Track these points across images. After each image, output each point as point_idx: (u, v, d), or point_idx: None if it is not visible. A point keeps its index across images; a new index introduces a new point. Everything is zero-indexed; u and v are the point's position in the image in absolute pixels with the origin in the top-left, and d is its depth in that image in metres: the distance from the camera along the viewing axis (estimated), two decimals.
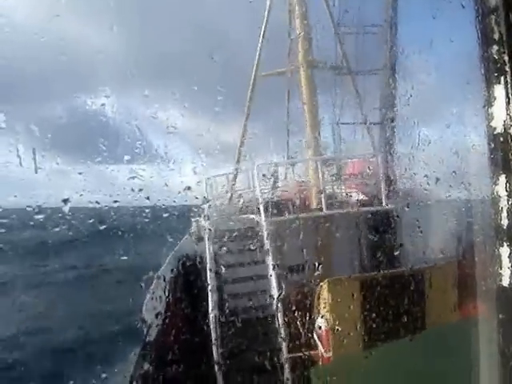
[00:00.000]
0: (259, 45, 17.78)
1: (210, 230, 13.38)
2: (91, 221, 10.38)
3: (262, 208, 13.03)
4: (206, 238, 13.14)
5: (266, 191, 15.49)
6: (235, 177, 17.21)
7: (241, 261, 13.36)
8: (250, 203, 14.89)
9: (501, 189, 1.57)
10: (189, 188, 10.10)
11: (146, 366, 10.84)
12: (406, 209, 13.29)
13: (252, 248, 13.16)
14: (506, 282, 1.62)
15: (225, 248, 13.80)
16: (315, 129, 15.45)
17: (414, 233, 12.14)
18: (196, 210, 14.98)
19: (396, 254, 13.19)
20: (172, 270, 14.51)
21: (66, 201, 7.23)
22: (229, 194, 16.96)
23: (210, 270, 12.30)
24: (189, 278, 13.25)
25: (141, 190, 8.58)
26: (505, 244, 1.59)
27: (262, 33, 17.82)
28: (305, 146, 15.88)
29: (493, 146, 1.60)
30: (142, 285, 12.77)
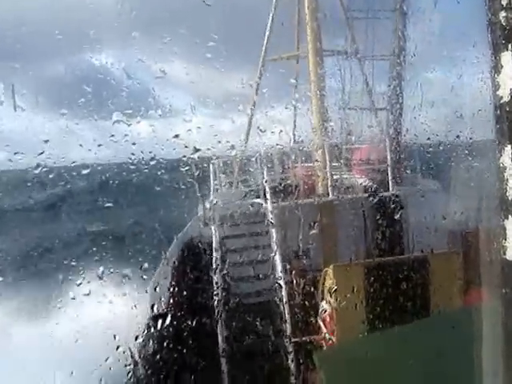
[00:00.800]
0: (268, 28, 17.68)
1: (216, 213, 13.37)
2: None
3: (267, 193, 13.02)
4: (213, 222, 13.13)
5: (272, 176, 15.48)
6: (242, 160, 17.15)
7: (246, 245, 13.37)
8: (256, 187, 14.88)
9: (506, 159, 1.54)
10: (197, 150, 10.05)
11: (150, 350, 10.87)
12: (412, 195, 13.28)
13: (258, 232, 13.17)
14: (510, 256, 1.59)
15: (231, 232, 13.81)
16: (322, 114, 15.38)
17: (420, 219, 12.13)
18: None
19: (401, 239, 13.20)
20: (178, 253, 14.52)
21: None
22: (235, 178, 16.92)
23: (216, 253, 12.30)
24: (195, 262, 13.26)
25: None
26: (509, 216, 1.56)
27: (271, 16, 17.71)
28: (312, 131, 15.83)
29: (499, 115, 1.57)
30: None
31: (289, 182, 16.14)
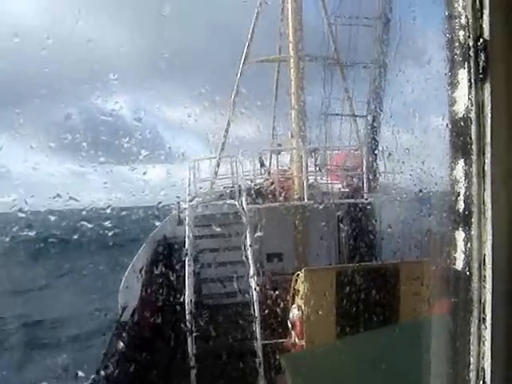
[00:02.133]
0: (250, 31, 17.70)
1: (190, 212, 13.34)
2: None
3: (243, 194, 13.04)
4: (186, 222, 13.10)
5: (248, 178, 15.50)
6: (219, 162, 17.16)
7: (219, 246, 13.38)
8: (232, 189, 14.89)
9: (458, 173, 1.59)
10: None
11: (120, 345, 10.82)
12: (385, 203, 13.37)
13: (231, 233, 13.17)
14: (459, 266, 1.64)
15: (204, 232, 13.81)
16: (301, 119, 15.44)
17: (391, 226, 12.23)
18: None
19: (373, 246, 13.30)
20: (150, 252, 14.49)
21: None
22: (211, 179, 16.92)
23: (188, 253, 12.27)
24: (166, 261, 13.25)
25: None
26: (460, 228, 1.61)
27: (253, 19, 17.74)
28: (290, 135, 15.88)
29: (454, 130, 1.62)
30: None
31: (265, 184, 16.17)
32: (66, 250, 31.50)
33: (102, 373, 9.36)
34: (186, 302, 11.29)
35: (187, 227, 12.95)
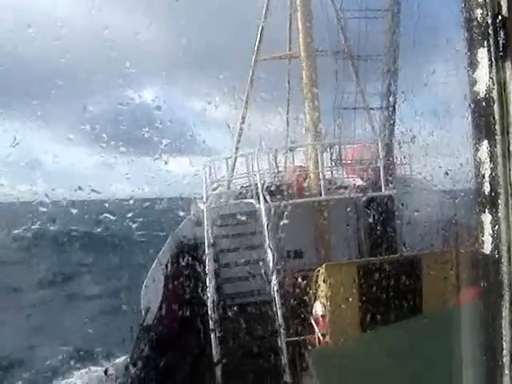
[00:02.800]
0: (260, 27, 17.70)
1: (208, 213, 13.35)
2: None
3: (260, 193, 13.01)
4: (205, 222, 13.11)
5: (265, 176, 15.48)
6: (235, 161, 17.16)
7: (239, 245, 13.38)
8: (249, 188, 14.88)
9: (483, 154, 1.56)
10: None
11: (145, 348, 10.86)
12: (405, 194, 13.28)
13: (250, 232, 13.17)
14: (487, 249, 1.60)
15: (223, 232, 13.82)
16: (315, 114, 15.37)
17: (411, 219, 12.14)
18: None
19: (394, 238, 13.21)
20: (171, 253, 14.52)
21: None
22: (228, 178, 16.93)
23: (208, 253, 12.29)
24: (187, 262, 13.26)
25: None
26: (486, 210, 1.58)
27: (263, 14, 17.73)
28: (304, 131, 15.82)
29: (475, 110, 1.58)
30: None
31: (282, 181, 16.15)
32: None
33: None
34: (209, 302, 11.31)
35: (206, 228, 12.96)
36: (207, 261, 12.06)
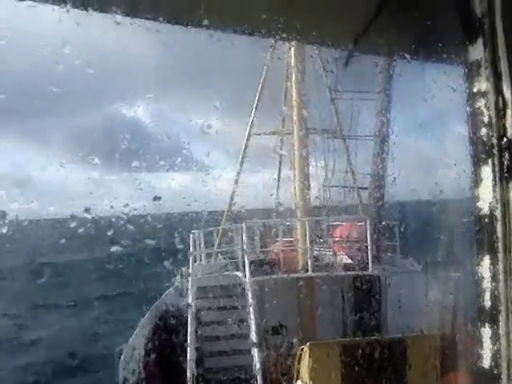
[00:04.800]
0: (254, 104, 18.09)
1: (193, 285, 13.26)
2: None
3: (247, 266, 12.98)
4: (189, 294, 13.00)
5: (252, 249, 15.46)
6: (222, 232, 17.20)
7: (223, 318, 13.21)
8: (235, 260, 14.85)
9: (484, 270, 1.59)
10: None
11: None
12: (390, 276, 13.31)
13: (234, 306, 13.05)
14: (486, 364, 1.61)
15: (207, 304, 13.67)
16: (305, 191, 15.52)
17: (397, 300, 12.12)
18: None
19: (378, 319, 13.13)
20: (153, 324, 14.31)
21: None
22: (215, 249, 16.91)
23: (191, 326, 12.14)
24: (169, 334, 13.07)
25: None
26: (486, 325, 1.60)
27: (257, 94, 18.15)
28: (294, 206, 15.93)
29: (478, 226, 1.62)
30: None
31: (269, 255, 16.12)
32: None
33: None
34: (188, 376, 11.10)
35: (190, 300, 12.85)
36: (189, 334, 11.90)
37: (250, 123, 18.09)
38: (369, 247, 13.67)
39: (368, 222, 14.05)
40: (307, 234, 14.36)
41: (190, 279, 13.43)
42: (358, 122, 18.96)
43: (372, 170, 16.21)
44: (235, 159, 18.77)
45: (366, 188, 17.87)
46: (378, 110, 16.50)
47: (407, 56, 2.05)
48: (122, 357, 12.63)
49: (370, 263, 13.47)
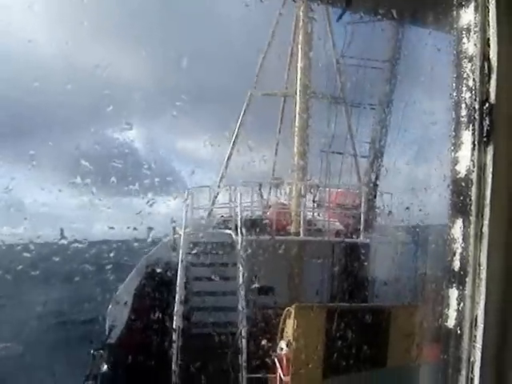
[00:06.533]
0: (259, 63, 17.97)
1: (185, 239, 13.29)
2: None
3: (239, 225, 13.02)
4: (180, 248, 13.05)
5: (246, 209, 15.49)
6: (217, 191, 17.21)
7: (212, 275, 13.31)
8: (229, 218, 14.90)
9: (456, 232, 1.61)
10: None
11: (103, 366, 10.74)
12: (382, 244, 13.37)
13: (225, 263, 13.14)
14: (451, 324, 1.65)
15: (198, 260, 13.76)
16: (303, 154, 15.50)
17: (384, 269, 12.21)
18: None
19: (365, 287, 13.25)
20: (142, 275, 14.41)
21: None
22: (209, 207, 16.93)
23: (179, 280, 12.22)
24: (157, 286, 13.18)
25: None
26: (454, 286, 1.62)
27: (264, 52, 18.00)
28: (290, 170, 15.93)
29: (454, 189, 1.64)
30: None
31: (262, 216, 16.17)
32: None
33: None
34: (174, 328, 11.22)
35: (180, 254, 12.91)
36: (177, 288, 11.99)
37: (255, 80, 18.00)
38: (362, 215, 13.73)
39: (363, 190, 14.08)
40: (301, 197, 14.41)
41: (182, 234, 13.46)
42: (362, 90, 18.89)
43: (372, 139, 16.21)
44: None
45: (364, 156, 17.91)
46: (383, 79, 16.42)
47: (397, 18, 2.05)
48: (110, 306, 12.79)
49: (361, 231, 13.55)
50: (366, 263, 13.32)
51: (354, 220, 14.34)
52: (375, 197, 15.01)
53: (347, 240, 13.89)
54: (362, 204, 13.96)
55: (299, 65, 15.63)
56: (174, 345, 10.97)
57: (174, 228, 14.95)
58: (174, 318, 11.33)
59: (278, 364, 10.05)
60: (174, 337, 11.06)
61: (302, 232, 13.85)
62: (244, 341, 10.78)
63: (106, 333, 12.06)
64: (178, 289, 11.94)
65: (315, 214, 16.60)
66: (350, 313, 9.23)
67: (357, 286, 13.07)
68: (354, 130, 19.08)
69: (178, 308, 11.47)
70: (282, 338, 10.25)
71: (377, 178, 15.19)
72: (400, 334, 8.91)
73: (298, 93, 15.57)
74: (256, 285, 13.29)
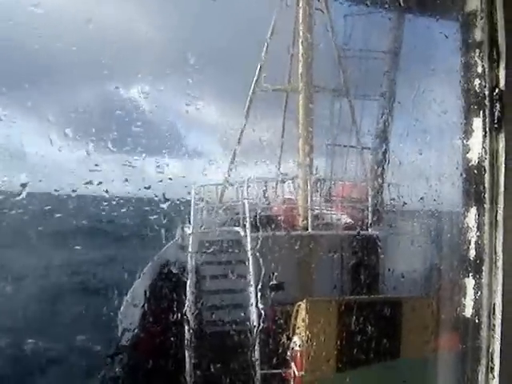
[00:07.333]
0: (261, 59, 17.93)
1: (194, 239, 13.32)
2: None
3: (247, 222, 13.03)
4: (189, 248, 13.08)
5: (253, 205, 15.48)
6: (225, 188, 17.22)
7: (222, 273, 13.32)
8: (236, 216, 14.90)
9: (470, 220, 1.59)
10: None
11: (118, 369, 10.78)
12: (390, 236, 13.34)
13: (234, 261, 13.15)
14: (468, 313, 1.63)
15: (207, 258, 13.77)
16: (308, 148, 15.48)
17: (395, 261, 12.17)
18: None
19: (376, 279, 13.22)
20: (153, 277, 14.44)
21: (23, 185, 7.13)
22: (216, 205, 16.93)
23: (190, 279, 12.24)
24: (168, 286, 13.19)
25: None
26: (470, 275, 1.61)
27: (265, 47, 17.96)
28: (296, 164, 15.91)
29: (466, 177, 1.62)
30: None
31: (270, 212, 16.16)
32: None
33: None
34: (186, 328, 11.24)
35: (190, 253, 12.93)
36: (188, 287, 12.01)
37: (256, 76, 17.97)
38: (370, 207, 13.72)
39: (370, 182, 14.05)
40: (308, 192, 14.38)
41: (190, 232, 13.48)
42: (365, 81, 18.84)
43: (376, 131, 16.15)
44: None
45: (369, 148, 17.86)
46: (385, 70, 16.36)
47: (403, 6, 2.03)
48: (122, 308, 12.81)
49: (369, 223, 13.53)
50: (375, 255, 13.29)
51: (363, 213, 14.33)
52: (383, 189, 14.95)
53: (355, 233, 13.88)
54: (370, 196, 13.95)
55: (301, 59, 15.60)
56: (187, 344, 11.00)
57: (182, 228, 14.96)
58: (187, 317, 11.36)
59: (291, 359, 10.06)
60: (187, 336, 11.08)
61: (309, 226, 13.83)
62: (257, 337, 10.79)
63: (119, 335, 12.09)
64: (188, 288, 11.97)
65: (323, 208, 16.57)
66: (362, 305, 9.23)
67: (367, 279, 13.04)
68: (358, 122, 19.07)
69: (189, 307, 11.49)
70: (294, 333, 10.26)
71: (384, 170, 15.11)
72: (413, 325, 8.90)
73: (300, 87, 15.56)
74: (271, 282, 13.31)
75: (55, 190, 8.19)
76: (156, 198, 9.25)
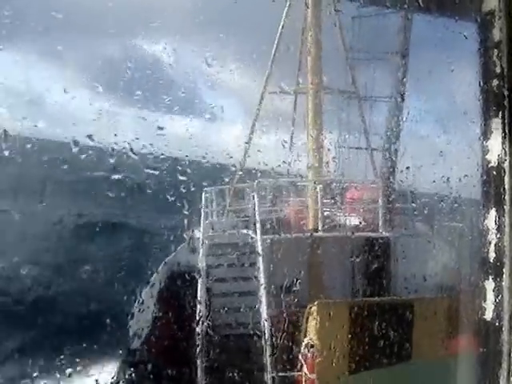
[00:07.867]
0: (270, 61, 17.95)
1: (204, 242, 13.34)
2: None
3: (258, 225, 13.03)
4: (200, 251, 13.10)
5: (263, 208, 15.49)
6: (234, 191, 17.23)
7: (232, 276, 13.32)
8: (247, 218, 14.90)
9: (490, 222, 1.57)
10: None
11: (129, 372, 10.79)
12: (402, 238, 13.30)
13: (245, 264, 13.15)
14: (488, 316, 1.61)
15: (218, 261, 13.77)
16: (318, 150, 15.47)
17: (406, 262, 12.13)
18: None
19: (387, 281, 13.18)
20: (164, 280, 14.46)
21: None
22: (227, 207, 16.95)
23: (201, 282, 12.25)
24: (179, 289, 13.21)
25: None
26: (490, 277, 1.59)
27: (273, 50, 17.98)
28: (306, 167, 15.90)
29: (486, 179, 1.60)
30: None
31: (280, 215, 16.15)
32: None
33: None
34: (197, 331, 11.25)
35: (200, 256, 12.95)
36: (199, 290, 12.02)
37: (265, 78, 18.01)
38: (380, 209, 13.68)
39: (381, 184, 14.03)
40: (318, 194, 14.37)
41: (201, 236, 13.51)
42: (374, 83, 18.82)
43: (386, 132, 16.11)
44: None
45: (380, 150, 17.82)
46: (394, 71, 16.32)
47: (422, 6, 2.01)
48: (133, 309, 12.83)
49: (380, 225, 13.50)
50: (386, 257, 13.27)
51: (373, 214, 14.30)
52: (394, 190, 14.91)
53: (366, 235, 13.85)
54: (380, 198, 13.93)
55: (310, 61, 15.64)
56: (199, 347, 11.01)
57: (192, 230, 14.99)
58: (197, 321, 11.38)
59: (303, 361, 10.04)
60: (199, 339, 11.09)
61: (320, 228, 13.82)
62: (268, 340, 10.79)
63: (131, 338, 12.10)
64: (199, 291, 11.98)
65: (333, 210, 16.55)
66: (373, 307, 9.20)
67: (378, 280, 13.01)
68: (367, 124, 19.06)
69: (200, 310, 11.51)
70: (305, 335, 10.23)
71: (394, 172, 15.07)
72: (425, 326, 8.86)
73: (310, 89, 15.57)
74: (282, 284, 13.30)
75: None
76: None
